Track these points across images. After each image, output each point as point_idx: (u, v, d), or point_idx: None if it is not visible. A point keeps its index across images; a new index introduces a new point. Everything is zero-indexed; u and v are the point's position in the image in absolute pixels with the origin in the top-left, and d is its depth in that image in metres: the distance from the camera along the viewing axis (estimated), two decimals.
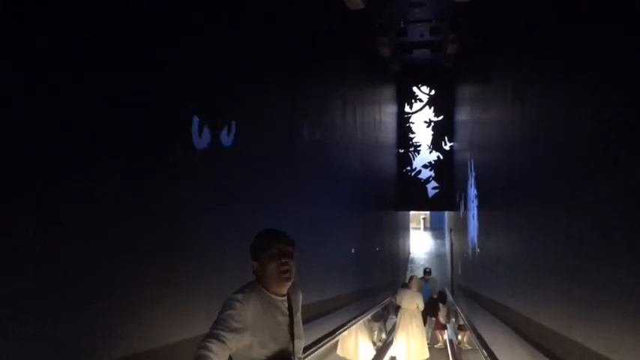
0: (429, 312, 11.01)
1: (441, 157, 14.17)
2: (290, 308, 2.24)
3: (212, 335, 2.01)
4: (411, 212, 21.78)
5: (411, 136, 14.49)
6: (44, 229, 1.86)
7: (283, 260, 2.18)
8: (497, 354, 4.86)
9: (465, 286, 10.56)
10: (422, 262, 19.80)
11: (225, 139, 3.19)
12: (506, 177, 5.13)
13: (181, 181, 2.78)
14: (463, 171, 10.21)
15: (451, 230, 18.07)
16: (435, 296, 11.69)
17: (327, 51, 6.69)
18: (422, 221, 27.94)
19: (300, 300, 2.34)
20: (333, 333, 5.73)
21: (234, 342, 2.04)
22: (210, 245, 3.04)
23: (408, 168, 14.40)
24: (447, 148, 14.15)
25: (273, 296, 2.21)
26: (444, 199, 13.93)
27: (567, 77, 3.00)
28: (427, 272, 12.78)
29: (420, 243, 23.17)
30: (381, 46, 10.55)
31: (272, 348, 2.13)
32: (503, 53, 5.34)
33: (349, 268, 7.93)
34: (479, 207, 7.57)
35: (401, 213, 16.82)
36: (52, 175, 1.90)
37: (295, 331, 2.22)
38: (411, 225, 23.31)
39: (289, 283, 2.23)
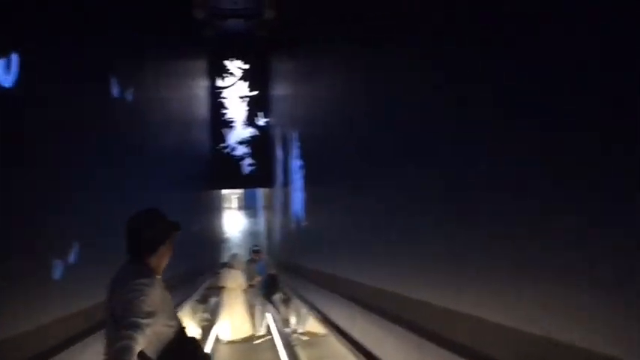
0: (271, 292, 10.36)
1: (257, 133, 13.93)
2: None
3: (132, 324, 1.99)
4: (224, 191, 21.35)
5: (224, 111, 13.96)
6: None
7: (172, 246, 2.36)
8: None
9: (287, 261, 10.53)
10: (237, 241, 19.60)
11: (3, 75, 2.31)
12: (341, 149, 5.01)
13: None
14: (283, 147, 10.07)
15: (266, 207, 18.15)
16: (273, 272, 10.90)
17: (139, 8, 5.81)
18: (235, 200, 27.71)
19: None
20: None
21: (150, 327, 2.06)
22: None
23: (222, 145, 13.87)
24: (261, 123, 13.95)
25: (159, 278, 2.29)
26: (260, 177, 13.72)
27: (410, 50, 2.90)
28: (256, 251, 10.93)
29: (234, 222, 22.94)
30: (195, 7, 9.79)
31: (175, 325, 2.27)
32: (335, 24, 5.17)
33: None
34: (305, 180, 7.47)
35: (216, 192, 16.27)
36: None
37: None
38: (225, 205, 22.89)
39: None
